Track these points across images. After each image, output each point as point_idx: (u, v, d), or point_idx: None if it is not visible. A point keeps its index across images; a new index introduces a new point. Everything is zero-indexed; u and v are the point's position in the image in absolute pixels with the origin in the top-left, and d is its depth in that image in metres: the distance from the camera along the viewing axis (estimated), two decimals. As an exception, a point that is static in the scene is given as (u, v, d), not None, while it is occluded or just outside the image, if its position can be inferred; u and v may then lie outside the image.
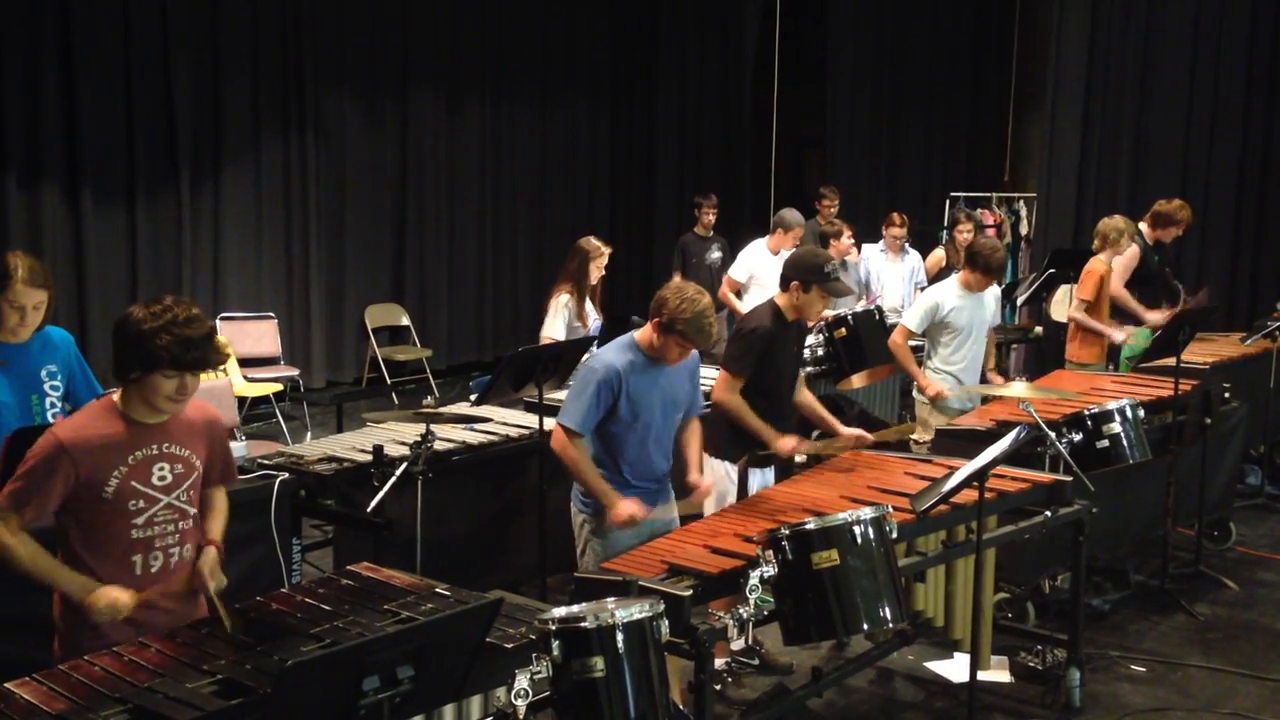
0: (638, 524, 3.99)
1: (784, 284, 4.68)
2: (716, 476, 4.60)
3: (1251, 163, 9.23)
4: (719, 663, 4.61)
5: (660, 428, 4.15)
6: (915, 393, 6.13)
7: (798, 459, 4.86)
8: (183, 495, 3.02)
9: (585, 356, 4.91)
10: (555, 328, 6.10)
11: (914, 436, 5.88)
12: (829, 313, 6.79)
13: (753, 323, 4.68)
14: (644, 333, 4.09)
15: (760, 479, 4.81)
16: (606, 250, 6.29)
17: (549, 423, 4.97)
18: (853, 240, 8.65)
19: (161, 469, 2.97)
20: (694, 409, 4.33)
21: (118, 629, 2.88)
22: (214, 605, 2.91)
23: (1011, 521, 4.30)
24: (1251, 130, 9.20)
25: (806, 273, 4.59)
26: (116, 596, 2.86)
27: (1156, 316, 7.05)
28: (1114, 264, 7.05)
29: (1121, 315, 7.17)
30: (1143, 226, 7.40)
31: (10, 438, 3.56)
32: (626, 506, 3.97)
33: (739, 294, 7.96)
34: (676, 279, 4.14)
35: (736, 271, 8.06)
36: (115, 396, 2.97)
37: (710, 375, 6.35)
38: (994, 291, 6.13)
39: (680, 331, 3.94)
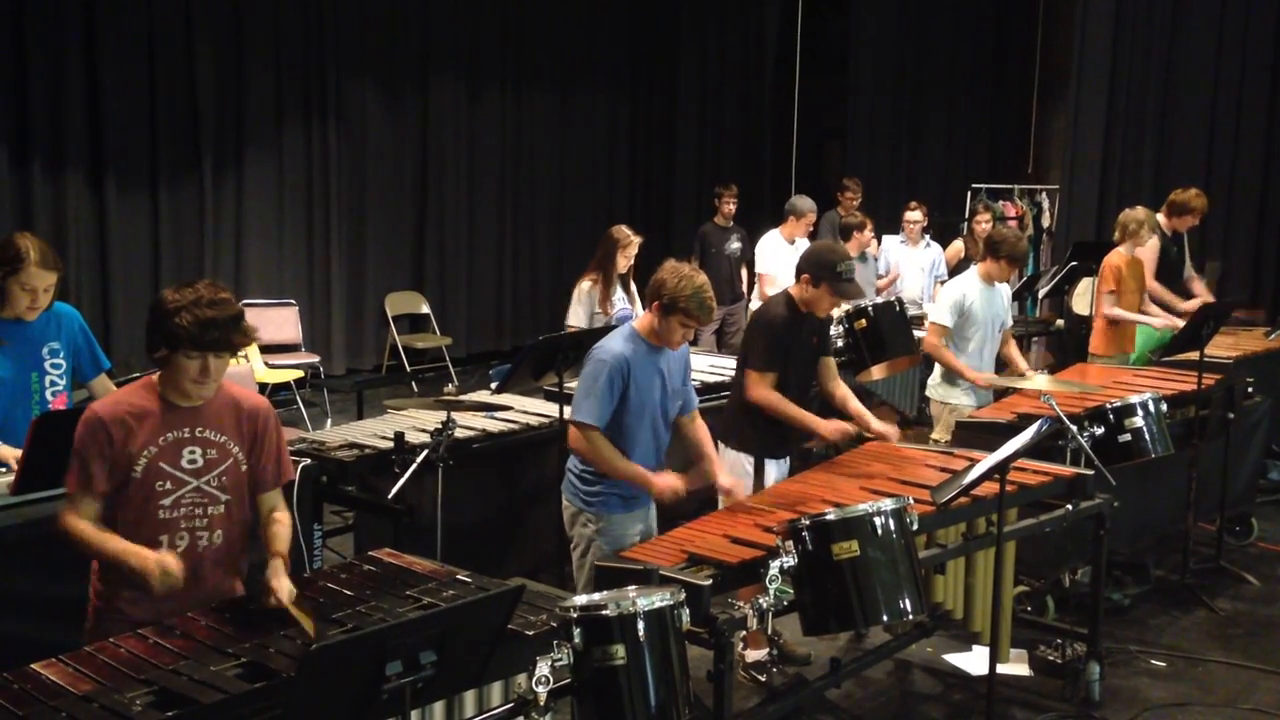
0: (681, 495, 4.00)
1: (797, 275, 4.67)
2: (731, 468, 4.59)
3: (1276, 154, 9.15)
4: (761, 654, 4.59)
5: (663, 417, 4.15)
6: (928, 390, 6.08)
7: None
8: (214, 481, 3.00)
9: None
10: (576, 315, 6.12)
11: (933, 435, 5.85)
12: (842, 306, 6.76)
13: (767, 315, 4.66)
14: (643, 320, 4.07)
15: (777, 470, 4.80)
16: (636, 239, 6.30)
17: (569, 411, 4.98)
18: (873, 233, 8.62)
19: (192, 452, 2.96)
20: (692, 404, 4.33)
21: (139, 609, 2.90)
22: (291, 615, 2.82)
23: (1032, 515, 4.29)
24: (1277, 122, 9.12)
25: (818, 268, 4.56)
26: (166, 561, 2.81)
27: (1190, 305, 7.02)
28: (1143, 257, 7.02)
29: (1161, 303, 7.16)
30: (1159, 218, 7.35)
31: (37, 421, 3.58)
32: (665, 479, 3.99)
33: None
34: (668, 262, 4.10)
35: (766, 265, 8.01)
36: (155, 377, 2.98)
37: (725, 365, 6.37)
38: (1005, 289, 6.05)
39: (684, 310, 3.92)
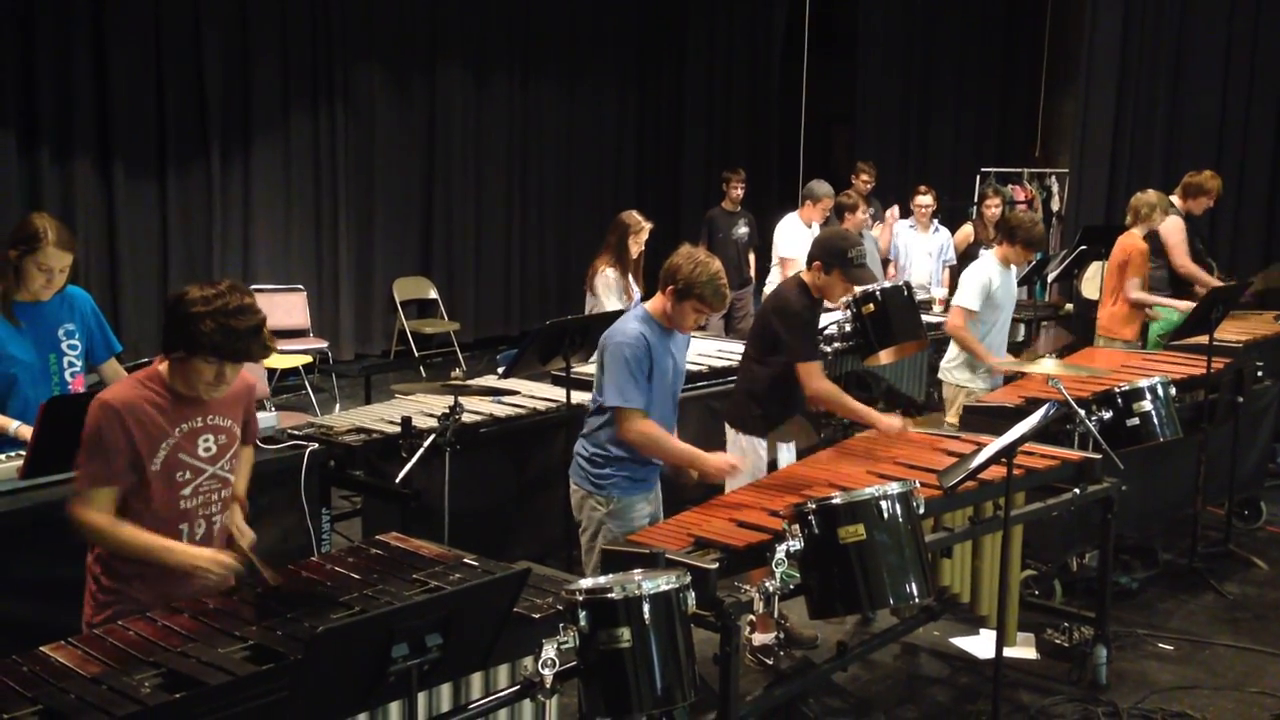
0: (740, 471, 4.11)
1: (809, 261, 4.65)
2: (745, 453, 4.59)
3: (1288, 138, 9.09)
4: (768, 638, 4.60)
5: (673, 398, 4.15)
6: (941, 373, 6.07)
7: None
8: (226, 465, 3.05)
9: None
10: (612, 303, 6.05)
11: (947, 419, 5.83)
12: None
13: (789, 305, 4.59)
14: (655, 303, 4.06)
15: (786, 454, 4.80)
16: (647, 225, 6.27)
17: (576, 396, 5.00)
18: (869, 214, 8.57)
19: (206, 440, 2.99)
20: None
21: (150, 596, 2.90)
22: (250, 560, 2.94)
23: (1040, 499, 4.28)
24: (1289, 105, 9.06)
25: (829, 254, 4.54)
26: (221, 558, 2.89)
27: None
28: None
29: (1178, 286, 7.13)
30: (1174, 199, 7.32)
31: (45, 406, 3.59)
32: (719, 458, 4.03)
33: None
34: (683, 247, 4.09)
35: (788, 249, 7.94)
36: (161, 367, 2.95)
37: (733, 350, 6.36)
38: (1014, 273, 6.02)
39: (699, 295, 3.92)
